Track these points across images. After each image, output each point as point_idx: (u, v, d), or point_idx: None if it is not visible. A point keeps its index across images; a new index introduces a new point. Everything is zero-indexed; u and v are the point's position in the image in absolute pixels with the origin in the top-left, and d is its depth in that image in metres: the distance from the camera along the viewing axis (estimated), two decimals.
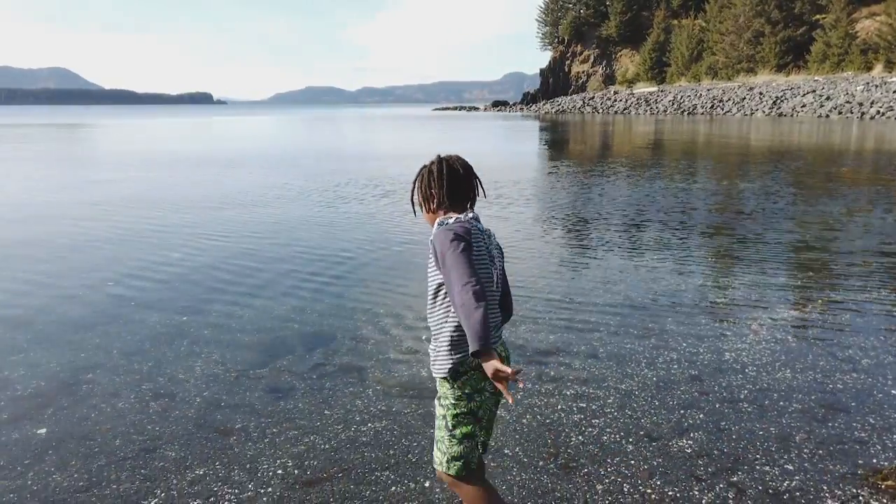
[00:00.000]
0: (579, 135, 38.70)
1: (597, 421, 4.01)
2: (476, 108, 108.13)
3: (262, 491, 3.35)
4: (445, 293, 2.41)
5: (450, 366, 2.44)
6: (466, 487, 2.53)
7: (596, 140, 34.00)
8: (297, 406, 4.27)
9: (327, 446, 3.77)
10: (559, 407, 4.21)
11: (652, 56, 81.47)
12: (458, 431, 2.48)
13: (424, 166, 2.65)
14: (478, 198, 2.67)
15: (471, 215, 2.53)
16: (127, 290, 6.95)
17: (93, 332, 5.70)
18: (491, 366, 2.16)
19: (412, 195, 2.69)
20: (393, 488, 3.34)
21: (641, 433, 3.86)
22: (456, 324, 2.40)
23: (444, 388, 2.51)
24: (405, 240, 9.48)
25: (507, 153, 26.54)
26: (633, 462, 3.56)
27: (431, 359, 2.53)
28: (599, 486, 3.34)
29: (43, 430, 3.98)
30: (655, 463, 3.55)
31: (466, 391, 2.47)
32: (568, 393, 4.40)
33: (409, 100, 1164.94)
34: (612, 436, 3.83)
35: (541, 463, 3.56)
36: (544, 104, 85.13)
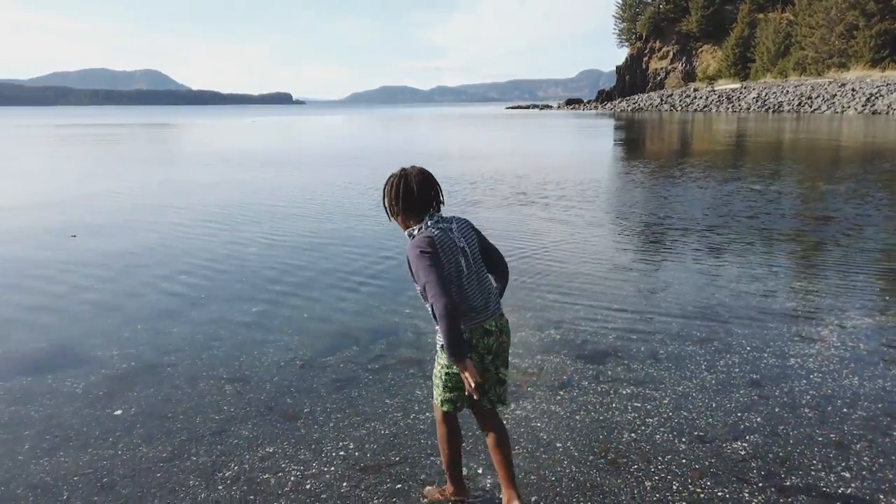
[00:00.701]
0: (655, 133, 37.79)
1: (650, 420, 4.05)
2: (549, 107, 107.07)
3: (325, 470, 3.59)
4: None
5: (442, 343, 2.91)
6: (443, 426, 3.15)
7: (673, 139, 33.12)
8: (361, 394, 4.51)
9: (387, 432, 3.98)
10: (613, 405, 4.27)
11: (735, 51, 78.35)
12: (446, 388, 3.04)
13: (389, 178, 2.99)
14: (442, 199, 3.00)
15: (430, 222, 2.90)
16: (206, 282, 7.42)
17: (176, 319, 6.15)
18: (461, 369, 2.75)
19: (386, 204, 3.02)
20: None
21: (695, 434, 3.87)
22: (428, 305, 2.83)
23: (441, 354, 3.02)
24: None
25: (576, 152, 26.28)
26: (684, 461, 3.59)
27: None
28: (648, 483, 3.40)
29: (132, 408, 4.37)
30: (707, 463, 3.57)
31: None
32: (623, 392, 4.45)
33: (481, 98, 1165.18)
34: (665, 435, 3.87)
35: (591, 458, 3.65)
36: (620, 102, 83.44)
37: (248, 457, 3.74)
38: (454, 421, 3.18)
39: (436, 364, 3.10)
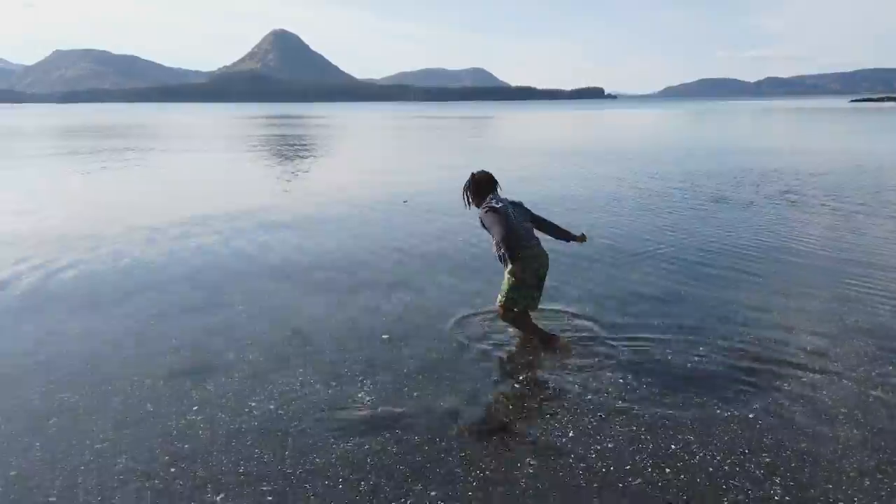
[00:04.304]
0: None
1: None
2: None
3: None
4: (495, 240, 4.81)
5: (502, 263, 4.92)
6: (507, 314, 5.06)
7: None
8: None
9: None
10: None
11: None
12: (510, 288, 4.93)
13: (466, 181, 5.03)
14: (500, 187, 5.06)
15: (493, 200, 4.87)
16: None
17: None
18: (515, 267, 4.83)
19: (464, 196, 5.04)
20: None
21: None
22: (498, 252, 4.90)
23: (507, 270, 4.92)
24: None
25: None
26: None
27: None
28: None
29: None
30: None
31: (521, 267, 4.86)
32: None
33: (821, 91, 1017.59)
34: None
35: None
36: None
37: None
38: (512, 312, 5.01)
39: (504, 278, 4.95)
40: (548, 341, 5.08)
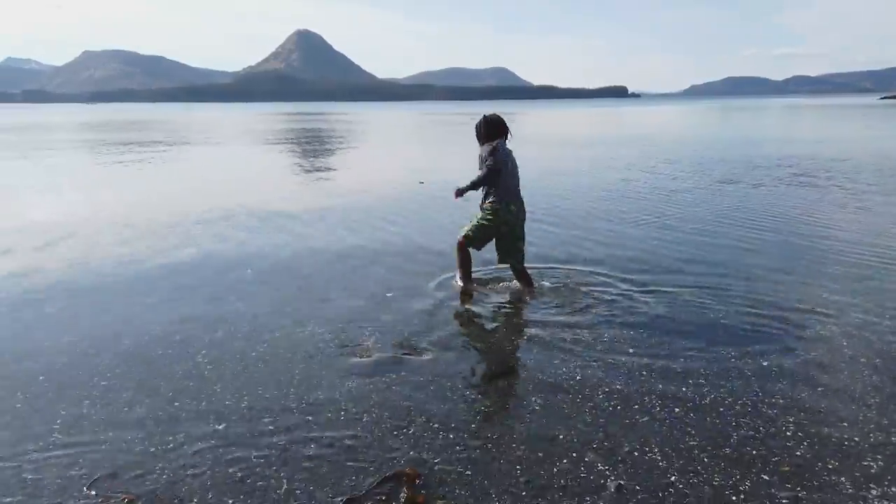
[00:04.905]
0: None
1: None
2: None
3: None
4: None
5: (483, 200, 5.21)
6: (461, 252, 5.34)
7: None
8: None
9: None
10: None
11: None
12: (476, 227, 5.21)
13: (479, 119, 5.22)
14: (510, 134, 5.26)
15: (502, 142, 5.13)
16: None
17: None
18: (457, 194, 5.12)
19: (476, 134, 5.24)
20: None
21: None
22: (485, 190, 5.18)
23: (482, 208, 5.20)
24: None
25: None
26: None
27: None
28: None
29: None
30: None
31: (487, 216, 5.18)
32: None
33: (851, 89, 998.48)
34: None
35: None
36: None
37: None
38: (467, 252, 5.34)
39: (477, 214, 5.23)
40: (468, 283, 5.44)
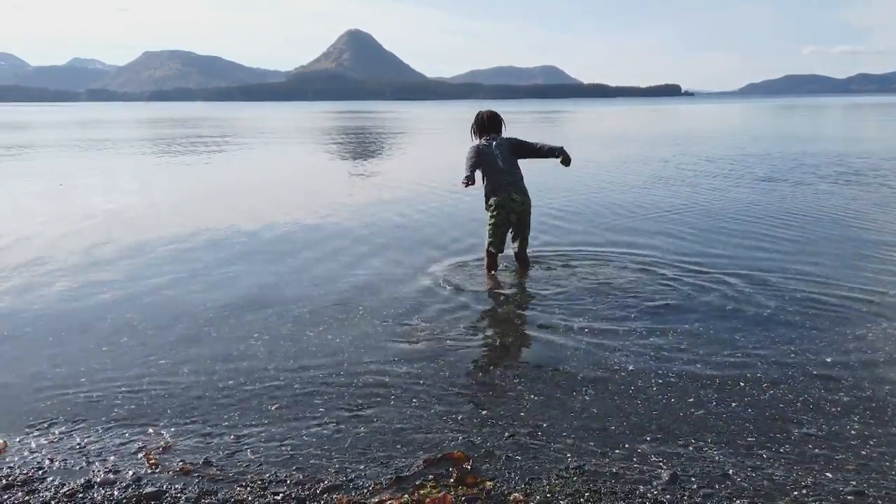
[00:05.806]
0: None
1: None
2: None
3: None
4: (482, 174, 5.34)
5: (486, 202, 5.40)
6: (488, 258, 5.52)
7: None
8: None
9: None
10: None
11: None
12: (490, 232, 5.39)
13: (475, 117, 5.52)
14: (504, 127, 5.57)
15: (485, 139, 5.41)
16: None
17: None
18: (464, 184, 5.08)
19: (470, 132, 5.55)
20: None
21: None
22: (483, 186, 5.35)
23: (487, 208, 5.41)
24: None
25: None
26: None
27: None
28: None
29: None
30: None
31: (493, 213, 5.35)
32: None
33: None
34: None
35: None
36: None
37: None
38: (494, 257, 5.49)
39: (488, 219, 5.41)
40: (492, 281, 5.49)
